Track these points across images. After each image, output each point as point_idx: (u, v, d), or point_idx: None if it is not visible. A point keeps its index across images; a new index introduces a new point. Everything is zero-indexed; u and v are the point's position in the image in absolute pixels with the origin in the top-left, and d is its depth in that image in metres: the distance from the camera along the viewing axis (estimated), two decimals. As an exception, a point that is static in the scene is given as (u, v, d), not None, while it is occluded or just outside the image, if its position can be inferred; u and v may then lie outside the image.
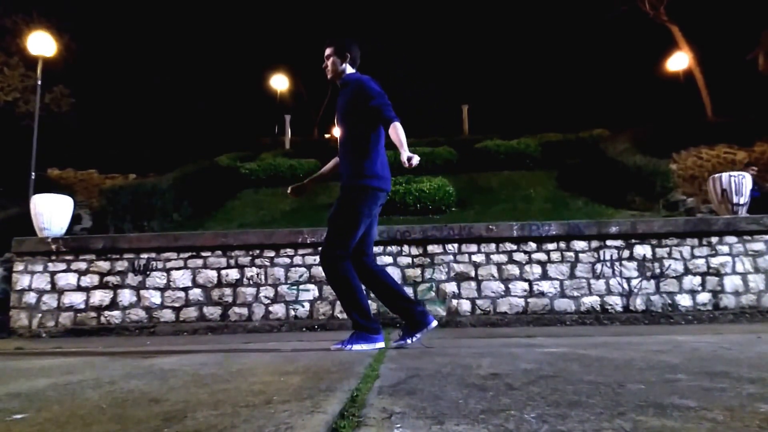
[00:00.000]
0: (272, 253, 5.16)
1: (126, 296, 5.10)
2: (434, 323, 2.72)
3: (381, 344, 2.67)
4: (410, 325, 2.71)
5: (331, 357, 2.33)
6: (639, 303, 4.97)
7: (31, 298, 5.09)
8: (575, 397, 1.23)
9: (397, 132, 2.59)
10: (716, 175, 5.53)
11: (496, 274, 5.08)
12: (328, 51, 2.84)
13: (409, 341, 2.70)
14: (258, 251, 5.17)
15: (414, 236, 5.14)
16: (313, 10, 21.70)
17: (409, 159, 2.51)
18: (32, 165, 8.99)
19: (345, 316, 5.01)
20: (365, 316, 2.66)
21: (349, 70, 2.86)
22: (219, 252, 5.17)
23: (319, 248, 5.13)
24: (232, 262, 5.16)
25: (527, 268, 5.08)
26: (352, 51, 2.85)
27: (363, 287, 2.70)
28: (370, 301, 5.01)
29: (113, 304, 5.09)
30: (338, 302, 5.04)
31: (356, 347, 2.59)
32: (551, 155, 11.39)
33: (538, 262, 5.09)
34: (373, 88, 2.70)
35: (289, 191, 3.06)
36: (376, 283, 2.75)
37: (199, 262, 5.17)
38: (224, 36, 21.52)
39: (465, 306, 5.03)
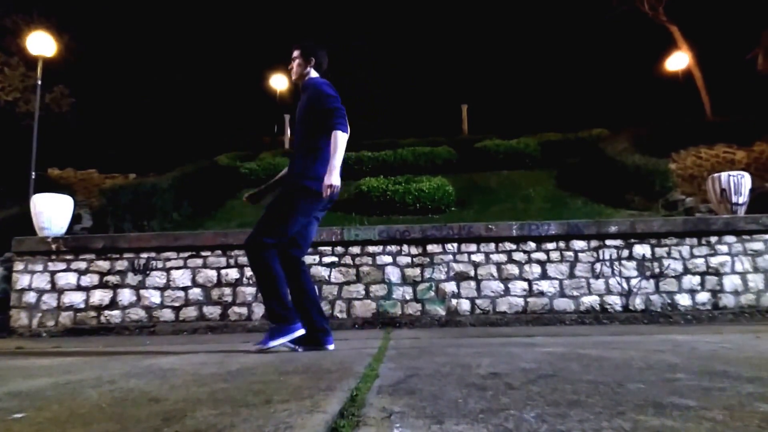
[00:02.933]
0: (272, 253, 5.15)
1: (126, 296, 5.10)
2: (331, 347, 2.70)
3: (300, 331, 2.64)
4: (308, 338, 2.69)
5: (331, 357, 2.33)
6: (638, 302, 4.98)
7: (31, 297, 5.09)
8: (575, 397, 1.23)
9: (336, 141, 2.61)
10: (715, 175, 5.53)
11: (495, 274, 5.08)
12: (294, 53, 2.89)
13: (276, 343, 2.61)
14: (258, 251, 5.16)
15: (413, 236, 5.14)
16: (313, 10, 21.70)
17: (326, 188, 2.55)
18: (32, 165, 8.98)
19: (344, 315, 5.02)
20: (282, 304, 2.64)
21: (313, 74, 2.89)
22: (219, 251, 5.17)
23: (319, 248, 5.16)
24: (232, 261, 5.16)
25: (527, 267, 5.08)
26: (317, 56, 2.88)
27: (284, 278, 2.68)
28: (368, 301, 5.03)
29: (113, 304, 5.09)
30: (337, 301, 5.05)
31: (273, 342, 2.57)
32: (551, 155, 11.38)
33: (538, 261, 5.09)
34: (329, 93, 2.72)
35: (245, 199, 3.06)
36: (297, 282, 2.73)
37: (199, 261, 5.17)
38: (224, 36, 21.51)
39: (464, 305, 5.03)
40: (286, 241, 2.69)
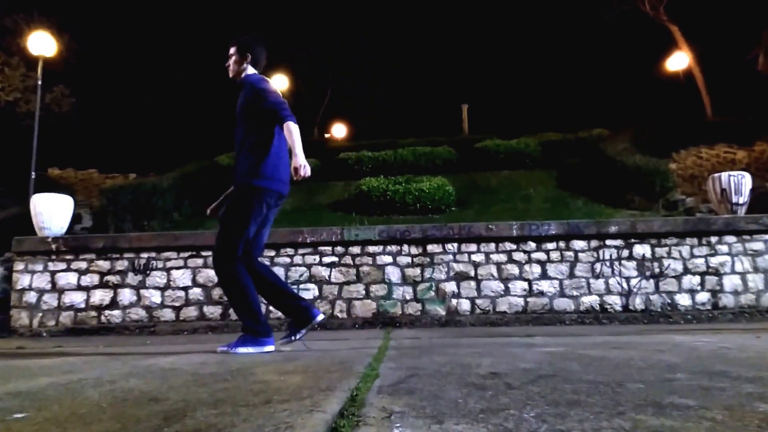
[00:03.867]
0: (272, 253, 5.16)
1: (126, 296, 5.11)
2: (320, 317, 2.70)
3: (270, 347, 2.62)
4: (295, 322, 2.70)
5: (331, 357, 2.33)
6: (638, 302, 4.98)
7: (31, 297, 5.09)
8: (574, 397, 1.23)
9: (291, 132, 2.57)
10: (716, 175, 5.53)
11: (495, 274, 5.08)
12: (231, 50, 2.82)
13: (293, 338, 2.69)
14: (258, 251, 5.17)
15: (414, 236, 5.14)
16: (313, 9, 21.71)
17: (297, 169, 2.51)
18: (32, 164, 8.99)
19: (344, 315, 5.02)
20: (255, 319, 2.61)
21: (251, 70, 2.83)
22: (219, 251, 5.17)
23: (319, 248, 5.16)
24: (232, 261, 5.15)
25: (527, 267, 5.08)
26: (254, 51, 2.82)
27: (253, 288, 2.65)
28: (369, 301, 5.03)
29: (113, 304, 5.10)
30: (338, 301, 5.05)
31: (242, 350, 2.54)
32: (551, 155, 11.38)
33: (538, 261, 5.09)
34: (266, 89, 2.67)
35: (208, 213, 3.01)
36: (263, 284, 2.70)
37: (200, 261, 5.17)
38: (224, 36, 21.52)
39: (464, 305, 5.03)
40: (248, 247, 2.65)
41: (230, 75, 2.86)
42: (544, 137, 12.51)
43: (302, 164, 2.51)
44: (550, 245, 5.11)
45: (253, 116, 2.68)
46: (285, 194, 2.77)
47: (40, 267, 5.15)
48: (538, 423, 0.98)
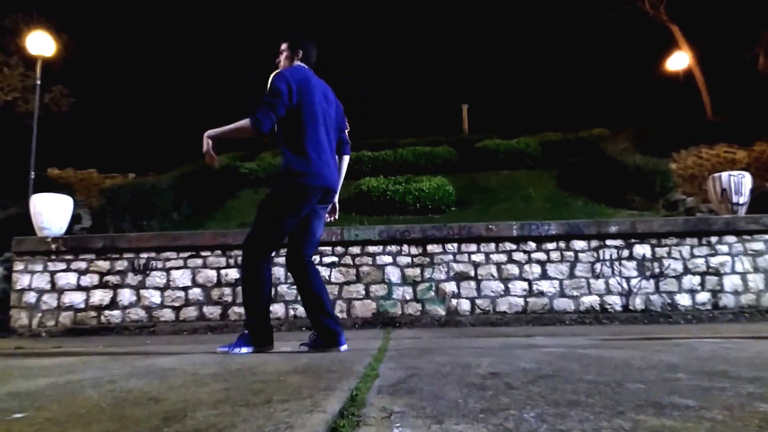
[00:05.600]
0: (272, 253, 5.15)
1: (126, 296, 5.10)
2: (344, 347, 2.57)
3: (249, 350, 2.56)
4: (321, 341, 2.59)
5: (331, 357, 2.33)
6: (638, 302, 4.98)
7: (31, 297, 5.09)
8: (574, 397, 1.23)
9: (236, 124, 2.53)
10: (716, 175, 5.53)
11: (495, 274, 5.08)
12: (282, 46, 2.77)
13: (308, 349, 2.58)
14: (258, 251, 5.16)
15: (413, 236, 5.14)
16: (313, 10, 21.70)
17: (204, 150, 2.53)
18: (32, 164, 8.99)
19: (344, 315, 5.02)
20: (260, 320, 2.57)
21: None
22: (218, 251, 5.17)
23: (319, 248, 5.15)
24: (232, 261, 5.16)
25: (527, 267, 5.08)
26: (305, 48, 2.76)
27: (270, 290, 2.61)
28: (369, 301, 5.03)
29: (113, 304, 5.09)
30: (338, 301, 5.05)
31: (242, 350, 2.50)
32: (551, 155, 11.38)
33: (538, 261, 5.09)
34: (272, 83, 2.56)
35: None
36: (307, 289, 2.62)
37: (199, 261, 5.17)
38: (224, 36, 21.51)
39: (464, 305, 5.03)
40: (292, 242, 2.61)
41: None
42: (544, 137, 12.51)
43: (207, 149, 2.57)
44: (550, 245, 5.11)
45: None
46: (330, 188, 2.66)
47: (39, 267, 5.15)
48: (538, 423, 0.98)
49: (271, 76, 2.62)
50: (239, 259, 5.15)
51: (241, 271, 2.67)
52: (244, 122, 2.50)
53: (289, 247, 2.69)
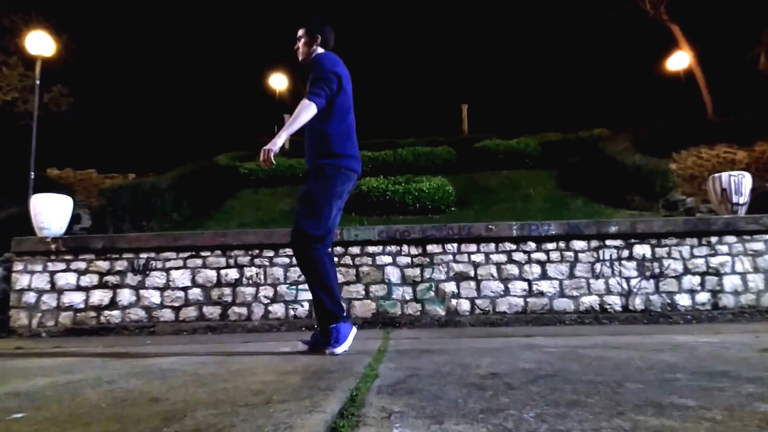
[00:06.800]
0: (271, 253, 5.16)
1: (125, 296, 5.10)
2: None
3: (354, 331, 2.55)
4: (322, 337, 2.56)
5: (330, 357, 2.33)
6: (638, 303, 4.98)
7: (30, 297, 5.09)
8: (574, 397, 1.23)
9: (298, 110, 2.44)
10: (716, 175, 5.53)
11: (495, 274, 5.08)
12: (300, 32, 2.73)
13: (346, 346, 2.51)
14: (257, 251, 5.17)
15: (413, 236, 5.14)
16: (313, 10, 21.71)
17: (265, 152, 2.40)
18: (31, 164, 8.99)
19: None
20: (336, 302, 2.51)
21: (320, 51, 2.73)
22: (218, 252, 5.17)
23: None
24: (232, 261, 5.15)
25: (526, 267, 5.08)
26: (324, 32, 2.74)
27: (335, 273, 2.57)
28: (368, 301, 5.03)
29: (113, 304, 5.09)
30: (338, 302, 5.04)
31: (340, 349, 2.42)
32: (551, 155, 11.38)
33: (538, 261, 5.09)
34: (323, 65, 2.56)
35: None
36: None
37: (199, 261, 5.16)
38: (224, 36, 21.51)
39: (464, 306, 5.03)
40: (325, 231, 2.54)
41: (300, 58, 2.76)
42: (544, 137, 12.51)
43: (267, 148, 2.40)
44: (550, 245, 5.11)
45: None
46: (359, 172, 2.67)
47: (39, 267, 5.15)
48: (537, 423, 0.98)
49: (316, 58, 2.61)
50: (239, 259, 5.15)
51: (303, 267, 2.55)
52: (306, 110, 2.43)
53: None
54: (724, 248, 5.04)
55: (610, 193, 8.37)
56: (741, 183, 5.34)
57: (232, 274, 5.13)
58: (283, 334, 4.54)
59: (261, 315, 5.04)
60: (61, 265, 5.15)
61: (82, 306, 5.08)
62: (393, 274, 5.12)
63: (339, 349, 2.42)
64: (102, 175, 13.75)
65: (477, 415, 1.06)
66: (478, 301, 5.03)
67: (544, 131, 13.23)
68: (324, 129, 2.57)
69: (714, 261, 5.02)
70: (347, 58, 2.76)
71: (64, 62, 14.59)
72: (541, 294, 5.02)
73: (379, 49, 21.21)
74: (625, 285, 5.01)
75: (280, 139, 2.42)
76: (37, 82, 9.60)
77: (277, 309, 5.05)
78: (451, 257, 5.12)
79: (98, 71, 18.37)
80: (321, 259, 2.51)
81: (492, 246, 5.12)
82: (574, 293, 5.01)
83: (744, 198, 5.33)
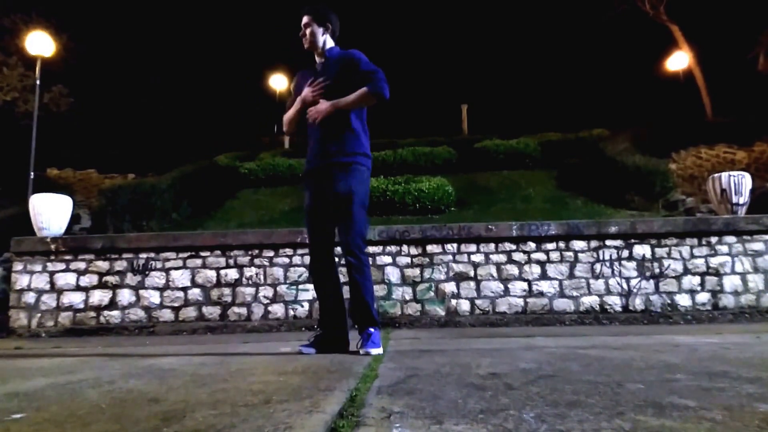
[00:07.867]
0: (271, 253, 5.16)
1: (125, 296, 5.10)
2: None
3: (380, 332, 2.61)
4: (325, 341, 2.58)
5: (330, 357, 2.33)
6: (638, 303, 4.98)
7: (30, 297, 5.08)
8: (574, 397, 1.23)
9: (360, 93, 2.42)
10: (716, 175, 5.53)
11: (495, 274, 5.08)
12: (306, 19, 2.60)
13: (305, 351, 2.53)
14: (257, 251, 5.17)
15: (413, 236, 5.14)
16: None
17: (312, 111, 2.44)
18: (31, 164, 8.99)
19: (344, 315, 5.01)
20: (373, 308, 2.55)
21: (330, 43, 2.66)
22: (218, 252, 5.17)
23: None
24: (231, 261, 5.15)
25: (526, 268, 5.08)
26: (332, 21, 2.66)
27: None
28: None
29: (112, 304, 5.09)
30: (338, 302, 5.03)
31: (375, 350, 2.42)
32: (551, 155, 11.38)
33: (538, 261, 5.09)
34: (368, 61, 2.56)
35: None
36: (335, 287, 2.61)
37: (198, 261, 5.16)
38: (224, 36, 21.52)
39: (464, 306, 5.03)
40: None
41: (306, 46, 2.65)
42: (544, 137, 12.52)
43: (318, 108, 2.43)
44: (550, 245, 5.11)
45: (352, 89, 2.48)
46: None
47: (38, 267, 5.14)
48: (537, 423, 0.98)
49: (355, 55, 2.57)
50: (239, 259, 5.14)
51: (360, 273, 2.51)
52: (369, 93, 2.42)
53: (326, 242, 2.62)
54: (724, 248, 5.04)
55: (610, 193, 8.37)
56: (741, 183, 5.34)
57: (232, 274, 5.13)
58: (282, 334, 4.54)
59: (261, 315, 5.03)
60: (61, 265, 5.15)
61: (81, 306, 5.08)
62: (393, 274, 5.12)
63: (375, 351, 2.42)
64: (102, 175, 13.75)
65: (477, 415, 1.06)
66: (477, 302, 5.03)
67: (544, 131, 13.24)
68: (358, 126, 2.56)
69: (714, 261, 5.02)
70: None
71: (64, 62, 14.61)
72: (541, 294, 5.02)
73: (378, 49, 21.21)
74: (625, 285, 5.01)
75: (335, 105, 2.42)
76: (38, 82, 9.61)
77: (277, 309, 5.05)
78: (450, 257, 5.12)
79: (98, 71, 18.38)
80: (369, 264, 2.55)
81: (492, 246, 5.12)
82: (574, 293, 5.01)
83: (744, 198, 5.33)
